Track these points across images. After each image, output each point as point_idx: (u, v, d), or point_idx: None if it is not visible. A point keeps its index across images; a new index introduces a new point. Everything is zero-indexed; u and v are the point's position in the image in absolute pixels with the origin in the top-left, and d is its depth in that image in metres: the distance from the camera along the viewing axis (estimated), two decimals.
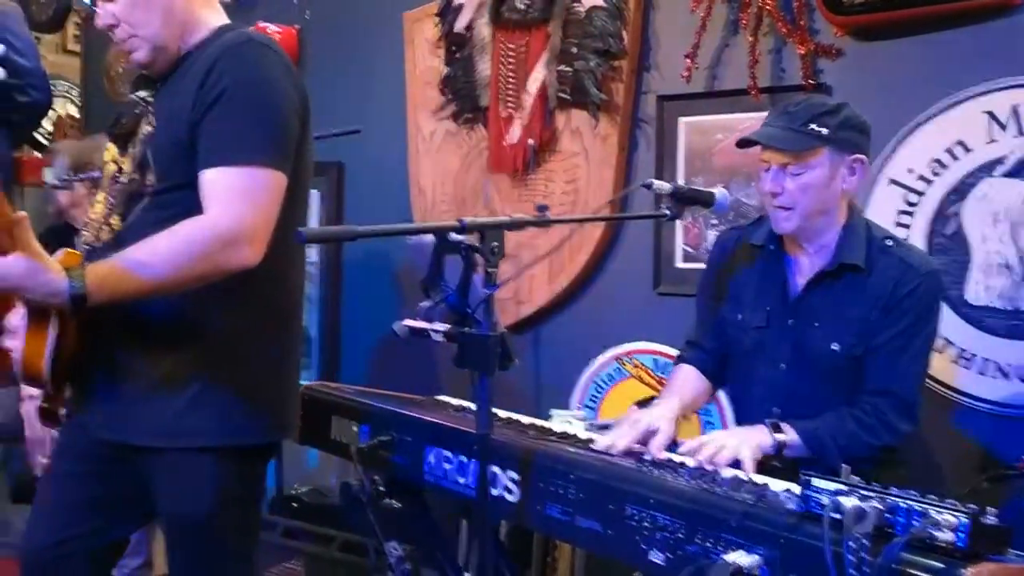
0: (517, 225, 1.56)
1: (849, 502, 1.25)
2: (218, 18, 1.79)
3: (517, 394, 3.08)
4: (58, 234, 2.59)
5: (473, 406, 2.16)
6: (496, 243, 1.50)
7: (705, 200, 1.91)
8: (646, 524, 1.43)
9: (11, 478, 3.13)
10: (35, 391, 2.71)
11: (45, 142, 4.63)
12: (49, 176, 2.92)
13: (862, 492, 1.26)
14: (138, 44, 1.71)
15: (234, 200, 1.59)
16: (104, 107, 4.10)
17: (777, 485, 1.56)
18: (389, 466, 1.89)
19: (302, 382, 1.93)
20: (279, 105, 1.67)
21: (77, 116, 4.95)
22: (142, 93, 1.77)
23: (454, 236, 1.55)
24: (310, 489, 3.34)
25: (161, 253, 1.56)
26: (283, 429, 1.83)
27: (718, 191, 1.92)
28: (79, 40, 4.92)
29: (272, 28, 3.42)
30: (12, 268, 1.51)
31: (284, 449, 2.73)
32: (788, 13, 2.69)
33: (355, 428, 1.97)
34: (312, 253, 3.51)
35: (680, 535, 1.39)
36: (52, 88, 3.99)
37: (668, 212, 1.91)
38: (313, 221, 3.45)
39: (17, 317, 1.70)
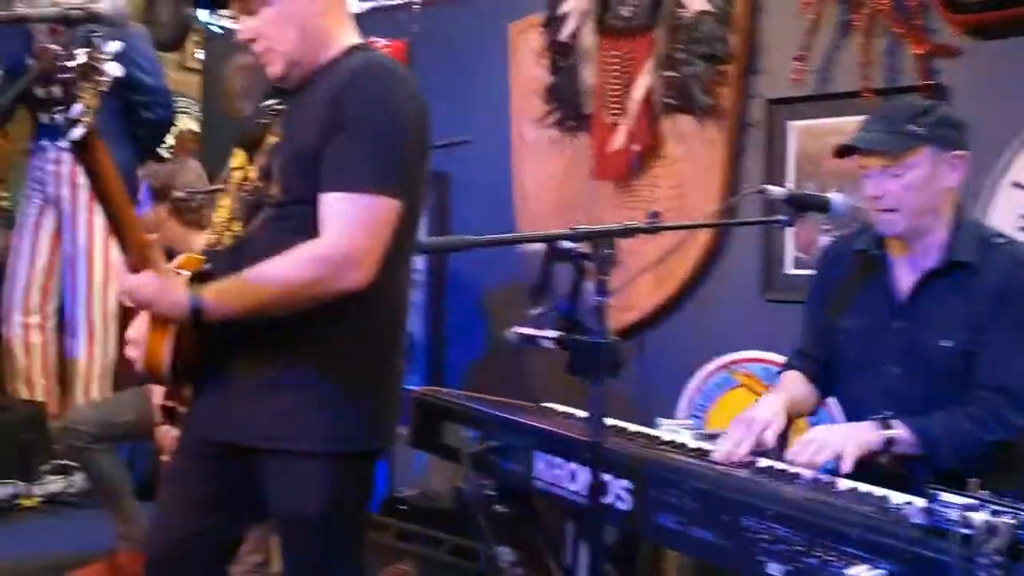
0: (629, 232, 1.57)
1: (980, 517, 1.20)
2: (350, 36, 1.83)
3: (622, 402, 3.05)
4: None
5: (579, 413, 2.18)
6: (608, 251, 1.51)
7: (821, 205, 1.87)
8: (763, 536, 1.41)
9: (137, 476, 3.28)
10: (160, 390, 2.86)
11: (168, 156, 4.86)
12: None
13: (993, 507, 1.21)
14: (274, 58, 1.77)
15: (350, 227, 1.65)
16: (222, 122, 4.26)
17: (897, 497, 1.51)
18: (499, 471, 1.91)
19: (410, 387, 1.97)
20: (402, 133, 1.71)
21: (197, 131, 5.17)
22: (271, 103, 1.83)
23: (565, 244, 1.57)
24: (418, 492, 3.39)
25: (276, 276, 1.64)
26: (384, 438, 1.87)
27: (834, 196, 1.88)
28: (198, 57, 5.14)
29: (382, 42, 3.50)
30: (145, 286, 1.63)
31: (394, 452, 2.79)
32: (903, 13, 2.61)
33: (466, 433, 2.00)
34: (417, 261, 3.57)
35: (799, 547, 1.36)
36: (174, 104, 4.19)
37: (783, 218, 1.88)
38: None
39: (138, 327, 1.78)
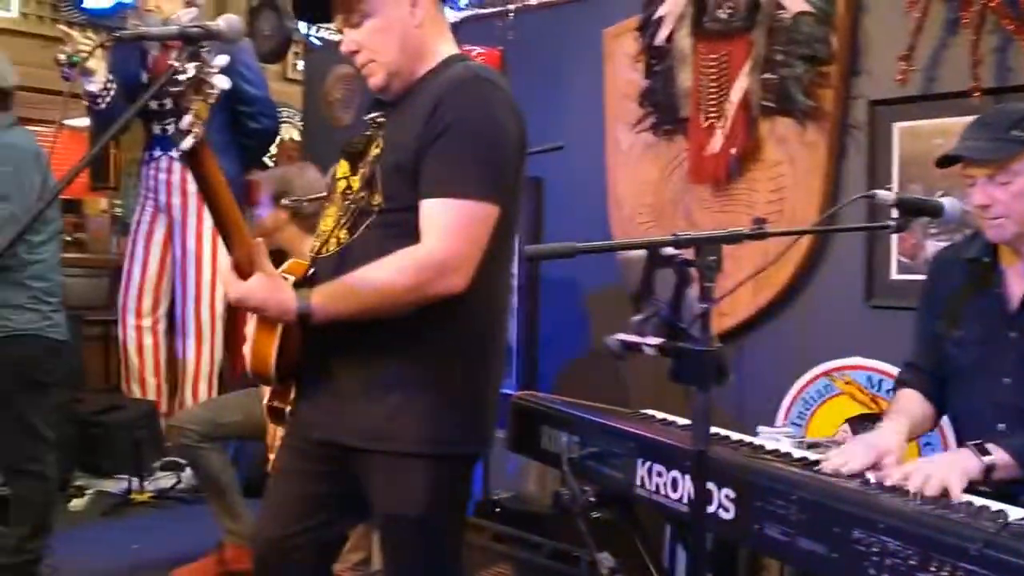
0: (735, 239, 1.55)
1: None
2: (449, 47, 1.87)
3: (719, 409, 3.03)
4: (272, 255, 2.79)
5: (679, 420, 2.17)
6: (713, 257, 1.50)
7: (932, 210, 1.82)
8: (875, 549, 1.38)
9: (243, 473, 3.39)
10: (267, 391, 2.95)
11: (271, 164, 5.02)
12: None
13: None
14: (376, 69, 1.82)
15: (449, 232, 1.69)
16: (323, 131, 4.37)
17: (1015, 512, 1.46)
18: (600, 477, 1.92)
19: (506, 391, 1.99)
20: (499, 141, 1.75)
21: (299, 140, 5.32)
22: (374, 115, 1.88)
23: (667, 250, 1.56)
24: (511, 495, 3.42)
25: (379, 280, 1.69)
26: (482, 442, 1.89)
27: (947, 200, 1.83)
28: (299, 68, 5.28)
29: (477, 50, 3.54)
30: (254, 290, 1.68)
31: (488, 455, 2.81)
32: (1014, 9, 2.51)
33: (565, 438, 2.01)
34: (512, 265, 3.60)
35: (913, 562, 1.33)
36: (278, 115, 4.33)
37: (892, 223, 1.83)
38: None
39: (251, 325, 1.85)
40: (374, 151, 1.82)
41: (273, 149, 5.04)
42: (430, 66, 1.83)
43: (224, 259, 4.10)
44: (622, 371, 3.32)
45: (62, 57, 3.69)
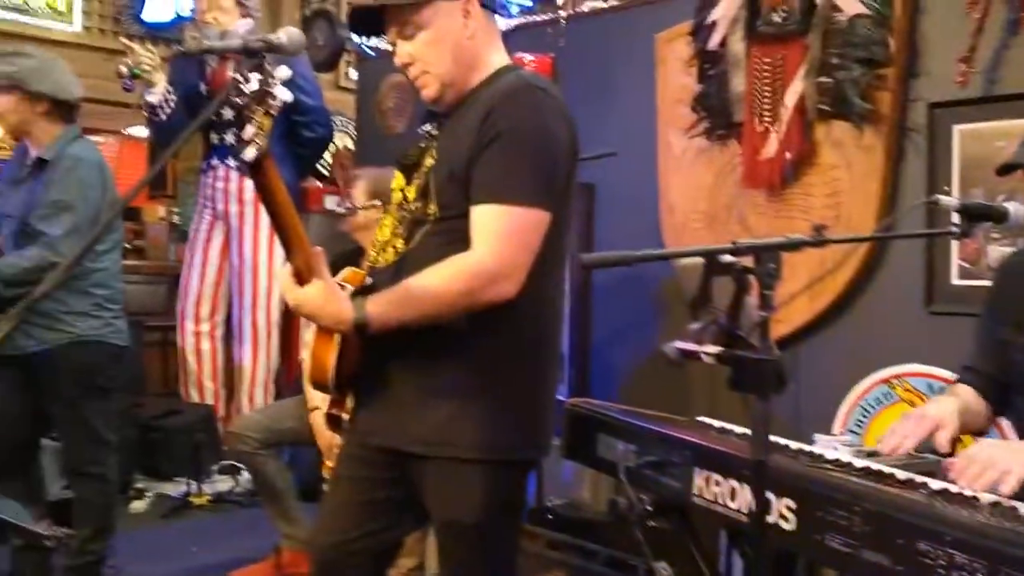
0: (794, 246, 1.54)
1: None
2: (501, 58, 1.89)
3: (775, 416, 2.99)
4: (347, 258, 2.81)
5: (736, 428, 2.15)
6: (772, 264, 1.48)
7: (997, 215, 1.78)
8: (942, 562, 1.35)
9: (299, 478, 3.43)
10: (321, 399, 2.98)
11: (325, 172, 5.08)
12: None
13: None
14: (429, 81, 1.84)
15: (499, 238, 1.71)
16: (376, 139, 4.42)
17: None
18: (656, 486, 1.91)
19: (559, 397, 1.99)
20: (550, 148, 1.76)
21: (352, 148, 5.38)
22: (427, 127, 1.90)
23: (726, 258, 1.55)
24: (565, 502, 3.41)
25: (432, 286, 1.70)
26: (539, 448, 1.90)
27: (1012, 205, 1.79)
28: (352, 77, 5.34)
29: (528, 58, 3.55)
30: (311, 298, 1.69)
31: (541, 462, 2.80)
32: None
33: (622, 446, 2.00)
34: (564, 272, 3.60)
35: (980, 575, 1.30)
36: (332, 123, 4.38)
37: (955, 229, 1.80)
38: None
39: (311, 334, 1.88)
40: (428, 162, 1.84)
41: (327, 157, 5.11)
42: (482, 77, 1.85)
43: (279, 266, 4.17)
44: (674, 378, 3.29)
45: (124, 69, 3.78)
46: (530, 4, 4.84)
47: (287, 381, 4.44)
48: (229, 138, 4.00)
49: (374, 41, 6.65)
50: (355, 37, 4.55)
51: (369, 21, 1.91)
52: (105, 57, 6.02)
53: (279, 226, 1.71)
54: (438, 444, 1.78)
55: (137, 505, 4.12)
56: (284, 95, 1.58)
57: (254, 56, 1.76)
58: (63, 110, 2.96)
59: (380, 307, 1.70)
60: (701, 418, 2.28)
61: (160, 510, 4.11)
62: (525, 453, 1.86)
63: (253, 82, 1.56)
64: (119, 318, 3.06)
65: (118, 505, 3.25)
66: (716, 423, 2.19)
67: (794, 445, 2.00)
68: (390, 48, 1.95)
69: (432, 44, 1.81)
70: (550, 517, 3.27)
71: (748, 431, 2.03)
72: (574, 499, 3.41)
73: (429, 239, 1.80)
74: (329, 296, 1.69)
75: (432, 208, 1.80)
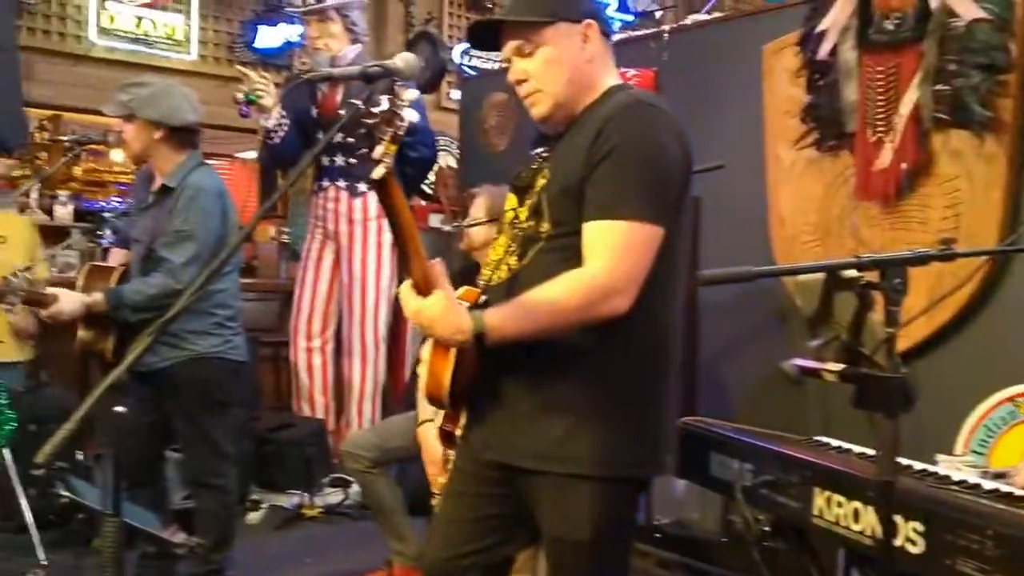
0: (921, 260, 1.50)
1: None
2: (613, 79, 1.90)
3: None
4: (465, 274, 2.84)
5: (855, 447, 2.10)
6: (899, 280, 1.45)
7: None
8: None
9: (407, 493, 3.48)
10: (433, 413, 3.02)
11: (429, 191, 5.17)
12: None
13: None
14: (542, 99, 1.86)
15: (613, 254, 1.71)
16: (479, 158, 4.47)
17: None
18: (774, 506, 1.87)
19: None
20: (664, 163, 1.76)
21: (454, 167, 5.47)
22: (539, 150, 1.93)
23: (848, 273, 1.52)
24: (672, 521, 3.37)
25: (548, 300, 1.71)
26: (656, 467, 1.87)
27: None
28: (453, 97, 5.42)
29: (631, 72, 3.55)
30: (431, 308, 1.69)
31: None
32: None
33: (737, 466, 1.97)
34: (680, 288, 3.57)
35: None
36: (436, 143, 4.46)
37: None
38: None
39: (427, 350, 1.91)
40: (540, 182, 1.86)
41: (430, 176, 5.20)
42: (593, 98, 1.87)
43: (386, 283, 4.25)
44: (785, 397, 3.22)
45: (240, 96, 3.93)
46: (631, 20, 4.85)
47: (394, 396, 4.53)
48: (339, 160, 4.11)
49: (474, 61, 6.76)
50: (456, 57, 4.64)
51: (487, 36, 1.93)
52: (219, 84, 6.28)
53: (400, 239, 1.72)
54: (552, 459, 1.78)
55: (253, 516, 4.23)
56: (411, 116, 1.62)
57: (373, 81, 1.82)
58: (180, 136, 3.08)
59: (497, 319, 1.71)
60: (818, 438, 2.23)
61: (274, 521, 4.22)
62: (640, 471, 1.84)
63: (384, 103, 1.60)
64: (238, 335, 3.18)
65: (237, 516, 3.34)
66: (834, 442, 2.14)
67: (918, 466, 1.94)
68: (497, 66, 1.97)
69: (550, 64, 1.83)
70: (658, 536, 3.23)
71: (869, 451, 1.97)
72: (682, 518, 3.36)
73: (542, 256, 1.81)
74: (449, 307, 1.69)
75: (545, 226, 1.82)
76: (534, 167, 1.91)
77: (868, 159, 3.03)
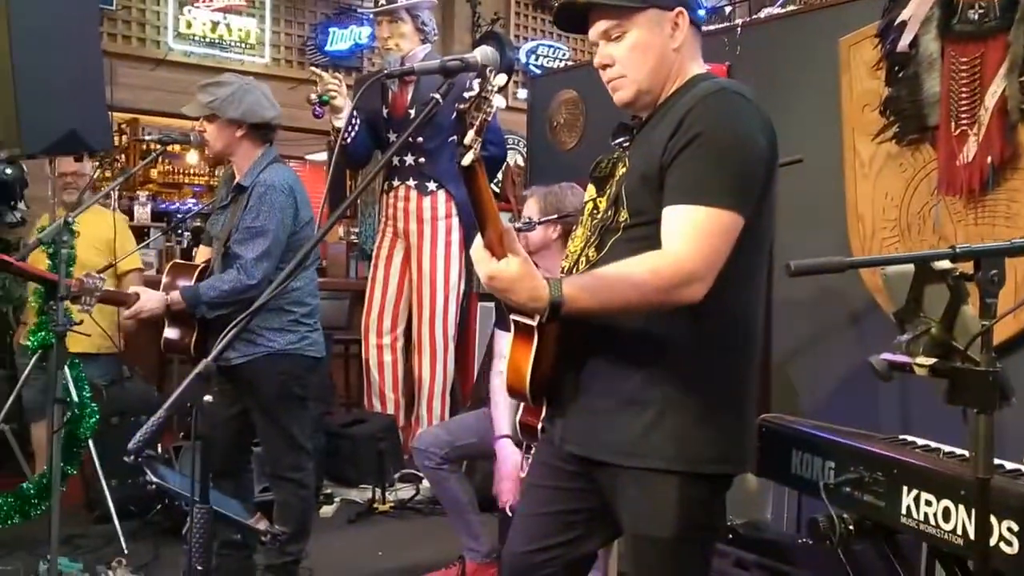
0: (1019, 251, 1.44)
1: None
2: (698, 67, 1.88)
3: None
4: None
5: (943, 447, 2.04)
6: (995, 271, 1.40)
7: None
8: None
9: (476, 489, 3.50)
10: (508, 429, 3.03)
11: (496, 190, 5.18)
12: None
13: None
14: (625, 84, 1.84)
15: (693, 239, 1.67)
16: (547, 155, 4.47)
17: None
18: (859, 506, 1.83)
19: None
20: (747, 151, 1.73)
21: (521, 165, 5.48)
22: (620, 139, 1.91)
23: (940, 264, 1.48)
24: (744, 521, 3.32)
25: (627, 278, 1.66)
26: (740, 462, 1.84)
27: None
28: (520, 97, 5.43)
29: (725, 83, 3.50)
30: (506, 271, 1.61)
31: None
32: None
33: (820, 464, 1.93)
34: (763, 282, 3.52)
35: None
36: (505, 141, 4.47)
37: None
38: None
39: (506, 344, 1.91)
40: (620, 171, 1.85)
41: (498, 175, 5.22)
42: (677, 86, 1.84)
43: (455, 281, 4.26)
44: (861, 393, 3.16)
45: (313, 97, 3.99)
46: (702, 15, 4.78)
47: (462, 393, 4.55)
48: (409, 160, 4.15)
49: (541, 60, 6.75)
50: (522, 57, 4.64)
51: (575, 17, 1.89)
52: (291, 87, 6.40)
53: (484, 226, 1.64)
54: (634, 454, 1.76)
55: (326, 510, 4.30)
56: (500, 102, 1.62)
57: (452, 75, 1.83)
58: (259, 132, 3.16)
59: (575, 289, 1.63)
60: (903, 436, 2.17)
61: (347, 515, 4.28)
62: (725, 467, 1.81)
63: (474, 88, 1.60)
64: (315, 331, 3.23)
65: (313, 509, 3.40)
66: (920, 440, 2.09)
67: (1010, 465, 1.88)
68: (564, 64, 1.96)
69: (638, 49, 1.81)
70: (731, 536, 3.19)
71: (958, 450, 1.92)
72: (756, 519, 3.31)
73: (621, 246, 1.79)
74: (525, 270, 1.62)
75: (623, 215, 1.80)
76: (614, 156, 1.90)
77: (952, 153, 2.95)
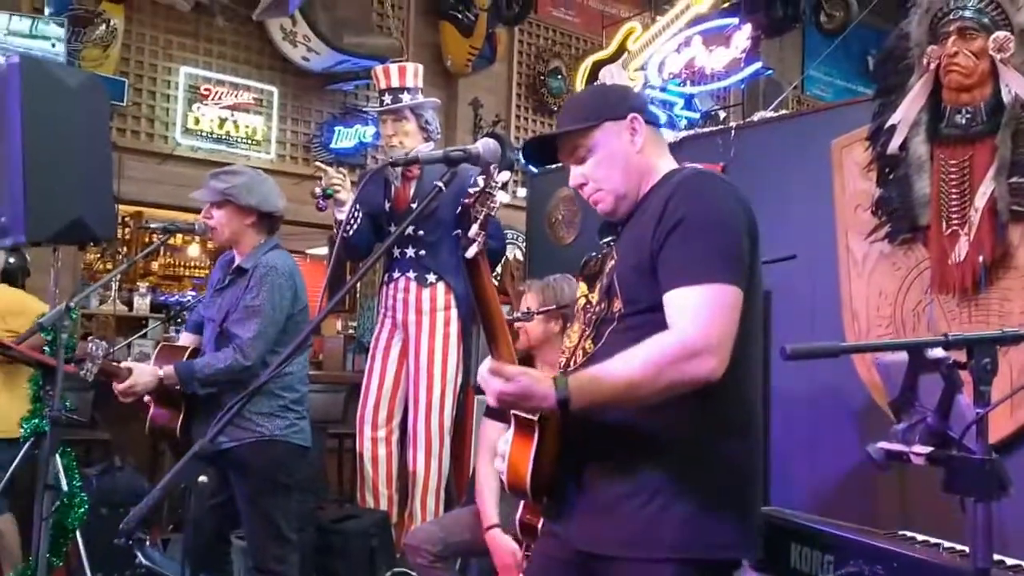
0: (1014, 339, 1.46)
1: None
2: (668, 163, 1.97)
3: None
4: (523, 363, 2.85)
5: (942, 542, 2.01)
6: (988, 359, 1.42)
7: None
8: None
9: None
10: (497, 519, 2.99)
11: (495, 282, 5.23)
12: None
13: None
14: (603, 196, 1.93)
15: (699, 314, 1.69)
16: (546, 250, 4.54)
17: None
18: None
19: None
20: (731, 225, 1.78)
21: (520, 259, 5.55)
22: (607, 239, 1.98)
23: (933, 353, 1.49)
24: None
25: (634, 362, 1.67)
26: (745, 548, 1.82)
27: None
28: (520, 195, 5.54)
29: (698, 167, 3.59)
30: (519, 377, 1.68)
31: None
32: None
33: (820, 557, 1.90)
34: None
35: None
36: (505, 236, 4.54)
37: None
38: None
39: (504, 441, 1.90)
40: (610, 264, 1.89)
41: (497, 268, 5.27)
42: (653, 182, 1.91)
43: (452, 374, 4.24)
44: (859, 487, 3.13)
45: (318, 190, 4.07)
46: (698, 118, 4.94)
47: (457, 488, 4.48)
48: (409, 252, 4.20)
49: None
50: (522, 156, 4.75)
51: (542, 151, 2.02)
52: (295, 182, 6.53)
53: (485, 316, 1.76)
54: (639, 544, 1.75)
55: None
56: (503, 197, 1.67)
57: (454, 165, 1.89)
58: (267, 222, 3.24)
59: (582, 384, 1.67)
60: (903, 531, 2.14)
61: None
62: (729, 552, 1.79)
63: (479, 183, 1.66)
64: (303, 419, 3.22)
65: None
66: (919, 536, 2.06)
67: (1010, 561, 1.86)
68: (558, 167, 2.04)
69: (604, 163, 1.90)
70: None
71: (958, 546, 1.89)
72: None
73: (617, 336, 1.81)
74: (533, 377, 1.69)
75: (617, 305, 1.83)
76: (603, 253, 1.96)
77: (943, 252, 3.00)
